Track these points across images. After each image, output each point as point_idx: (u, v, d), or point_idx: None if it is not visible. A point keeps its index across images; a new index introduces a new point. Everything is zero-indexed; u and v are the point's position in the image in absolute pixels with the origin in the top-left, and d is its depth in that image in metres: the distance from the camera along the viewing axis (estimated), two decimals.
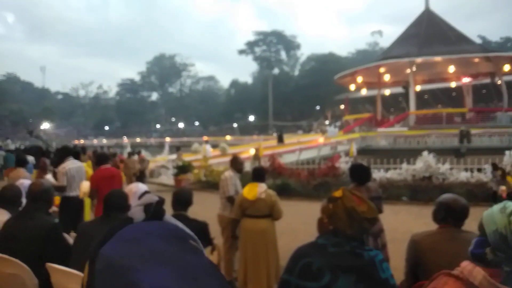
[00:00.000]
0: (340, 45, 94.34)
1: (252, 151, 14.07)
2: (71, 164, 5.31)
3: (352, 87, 31.88)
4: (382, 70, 27.91)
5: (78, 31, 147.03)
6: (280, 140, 22.88)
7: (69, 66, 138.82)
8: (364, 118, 31.35)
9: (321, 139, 18.70)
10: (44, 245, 2.54)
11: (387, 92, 34.10)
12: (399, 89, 33.01)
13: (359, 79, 29.58)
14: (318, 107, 62.29)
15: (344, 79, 31.79)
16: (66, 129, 77.65)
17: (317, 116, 57.62)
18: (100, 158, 5.33)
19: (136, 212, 0.93)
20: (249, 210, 3.95)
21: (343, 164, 10.93)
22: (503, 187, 8.36)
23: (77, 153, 5.89)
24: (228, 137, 43.92)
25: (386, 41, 64.67)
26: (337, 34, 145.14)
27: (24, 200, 3.32)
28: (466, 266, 1.25)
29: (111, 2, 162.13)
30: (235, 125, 65.60)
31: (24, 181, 3.83)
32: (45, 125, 66.02)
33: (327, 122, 41.75)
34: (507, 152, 10.02)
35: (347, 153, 13.62)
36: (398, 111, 34.27)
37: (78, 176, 5.25)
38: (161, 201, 0.97)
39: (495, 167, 9.14)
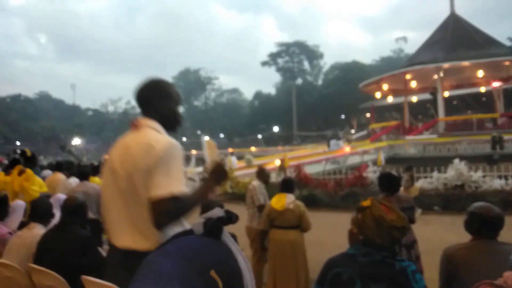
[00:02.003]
0: (364, 53, 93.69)
1: (277, 162, 14.05)
2: None
3: (378, 94, 31.40)
4: (408, 76, 27.41)
5: (106, 49, 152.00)
6: (329, 146, 22.79)
7: (99, 83, 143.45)
8: (391, 126, 30.78)
9: (347, 149, 18.47)
10: (79, 257, 2.62)
11: (414, 99, 33.39)
12: (426, 96, 32.27)
13: (385, 86, 29.12)
14: (343, 116, 61.67)
15: (369, 87, 31.39)
16: (96, 144, 79.94)
17: (342, 125, 56.98)
18: None
19: (197, 225, 0.97)
20: (277, 221, 3.95)
21: (371, 174, 10.74)
22: None
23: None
24: (253, 149, 44.08)
25: (411, 48, 63.56)
26: (360, 42, 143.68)
27: (56, 212, 3.45)
28: (510, 275, 1.21)
29: (138, 20, 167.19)
30: (259, 136, 65.78)
31: (60, 195, 3.97)
32: (76, 141, 68.27)
33: (353, 131, 41.18)
34: None
35: (374, 162, 13.38)
36: (427, 118, 33.41)
37: None
38: (221, 219, 0.99)
39: None
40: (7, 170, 5.56)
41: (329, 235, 7.02)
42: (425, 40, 30.65)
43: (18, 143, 61.64)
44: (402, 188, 8.93)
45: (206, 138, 12.12)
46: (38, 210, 3.06)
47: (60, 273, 2.47)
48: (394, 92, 31.06)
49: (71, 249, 2.62)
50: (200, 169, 16.67)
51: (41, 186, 4.89)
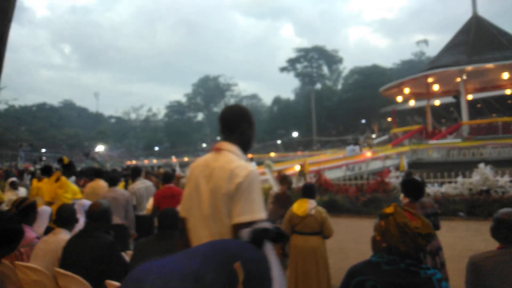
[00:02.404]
0: (384, 57, 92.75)
1: (297, 168, 13.98)
2: (140, 184, 5.68)
3: (399, 98, 30.90)
4: (430, 80, 26.88)
5: (128, 58, 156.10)
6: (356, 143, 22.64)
7: (121, 91, 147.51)
8: (413, 130, 30.19)
9: (368, 153, 18.21)
10: (103, 262, 2.67)
11: (437, 102, 32.71)
12: (449, 99, 31.54)
13: (406, 90, 28.64)
14: (363, 121, 60.96)
15: (390, 90, 30.94)
16: (119, 151, 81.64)
17: (363, 130, 56.30)
18: (164, 177, 5.59)
19: (246, 232, 1.01)
20: (299, 227, 3.92)
21: (394, 179, 10.56)
22: None
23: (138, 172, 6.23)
24: (272, 154, 44.01)
25: (432, 50, 62.65)
26: (380, 45, 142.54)
27: (80, 218, 3.53)
28: None
29: (159, 29, 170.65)
30: (278, 141, 65.68)
31: (84, 201, 4.06)
32: (100, 148, 69.79)
33: (374, 135, 40.63)
34: None
35: (397, 167, 13.14)
36: (450, 122, 32.69)
37: (147, 195, 5.55)
38: (267, 230, 1.02)
39: None
40: (40, 176, 5.79)
41: (351, 241, 6.93)
42: (447, 43, 30.04)
43: (43, 150, 63.44)
44: (402, 195, 9.11)
45: (267, 162, 12.30)
46: (63, 215, 3.13)
47: (84, 277, 2.53)
48: (416, 95, 30.51)
49: (96, 254, 2.68)
50: None
51: (75, 193, 5.06)
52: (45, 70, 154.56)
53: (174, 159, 49.81)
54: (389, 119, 46.69)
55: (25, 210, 3.21)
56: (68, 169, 5.45)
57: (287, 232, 4.05)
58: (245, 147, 1.93)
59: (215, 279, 0.84)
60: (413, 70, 39.05)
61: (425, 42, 73.74)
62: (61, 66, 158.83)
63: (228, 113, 1.94)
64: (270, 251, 1.05)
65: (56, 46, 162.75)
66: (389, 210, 1.73)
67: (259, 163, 21.14)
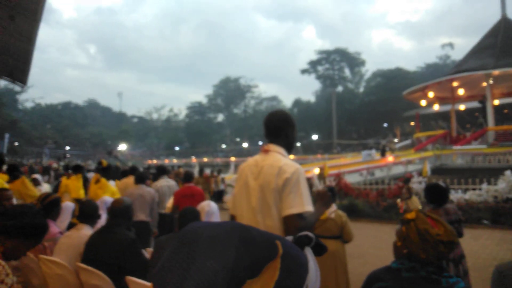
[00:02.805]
0: (408, 60, 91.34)
1: (316, 171, 13.88)
2: (164, 182, 5.79)
3: (423, 102, 30.30)
4: (455, 84, 26.27)
5: (151, 59, 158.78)
6: (383, 153, 22.34)
7: (144, 91, 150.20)
8: (437, 135, 29.56)
9: (390, 158, 17.92)
10: (124, 259, 2.72)
11: (461, 107, 31.92)
12: (475, 104, 30.73)
13: (430, 94, 28.05)
14: (385, 124, 60.04)
15: (413, 94, 30.38)
16: (140, 150, 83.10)
17: (385, 134, 55.45)
18: (185, 177, 5.71)
19: (288, 238, 1.07)
20: (318, 230, 3.88)
21: (416, 185, 10.34)
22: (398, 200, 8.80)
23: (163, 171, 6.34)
24: (291, 156, 43.78)
25: (458, 54, 61.27)
26: (404, 48, 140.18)
27: (102, 214, 3.60)
28: None
29: (181, 31, 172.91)
30: (298, 144, 65.43)
31: (107, 198, 4.14)
32: (122, 146, 71.21)
33: (396, 140, 39.94)
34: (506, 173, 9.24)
35: (419, 173, 12.88)
36: (475, 127, 31.81)
37: (170, 194, 5.66)
38: (309, 237, 1.07)
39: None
40: (69, 174, 6.09)
41: (371, 247, 6.83)
42: (474, 46, 29.28)
43: (67, 148, 65.14)
44: (398, 200, 9.30)
45: (316, 170, 12.61)
46: (86, 211, 3.21)
47: (105, 273, 2.58)
48: (440, 100, 29.87)
49: (116, 251, 2.72)
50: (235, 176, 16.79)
51: (113, 193, 5.31)
52: (71, 69, 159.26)
53: (194, 159, 50.32)
54: (412, 123, 45.88)
55: (49, 205, 3.28)
56: (106, 171, 5.76)
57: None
58: (289, 148, 2.15)
59: (258, 238, 0.89)
60: (438, 73, 38.25)
61: (451, 45, 72.23)
62: (87, 66, 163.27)
63: (273, 118, 2.14)
64: (309, 254, 1.09)
65: (81, 46, 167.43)
66: (410, 215, 1.69)
67: None
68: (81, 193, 5.75)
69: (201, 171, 12.43)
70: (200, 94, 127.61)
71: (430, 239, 1.58)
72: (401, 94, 32.93)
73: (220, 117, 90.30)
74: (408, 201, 9.12)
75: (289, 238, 1.10)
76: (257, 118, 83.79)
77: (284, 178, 1.87)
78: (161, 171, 6.35)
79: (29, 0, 10.38)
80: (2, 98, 58.36)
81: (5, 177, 4.80)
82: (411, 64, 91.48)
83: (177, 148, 79.22)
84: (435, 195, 3.47)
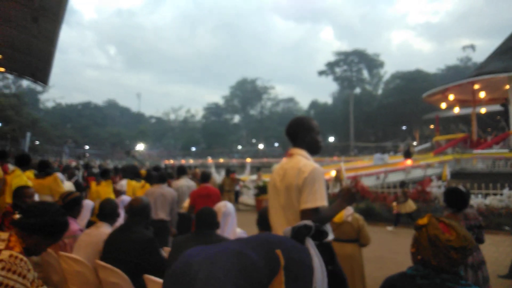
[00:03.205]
0: (428, 62, 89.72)
1: (333, 173, 13.76)
2: (184, 182, 5.86)
3: (443, 105, 29.73)
4: (476, 86, 25.68)
5: (170, 60, 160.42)
6: (408, 155, 22.03)
7: (162, 92, 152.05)
8: (457, 139, 28.97)
9: (409, 161, 17.64)
10: (141, 257, 2.75)
11: (483, 110, 31.19)
12: (497, 107, 29.97)
13: (451, 96, 27.49)
14: (404, 127, 59.18)
15: (433, 97, 29.84)
16: (158, 150, 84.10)
17: (403, 137, 54.65)
18: (202, 177, 5.80)
19: (287, 230, 1.05)
20: (335, 233, 3.81)
21: (435, 189, 10.16)
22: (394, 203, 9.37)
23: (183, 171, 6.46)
24: None
25: (479, 56, 59.90)
26: (424, 50, 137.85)
27: (121, 212, 3.65)
28: None
29: (199, 33, 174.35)
30: None
31: (124, 197, 4.19)
32: (140, 146, 72.24)
33: (415, 143, 39.32)
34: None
35: (439, 177, 12.65)
36: (497, 131, 31.02)
37: (189, 194, 5.73)
38: (308, 227, 1.06)
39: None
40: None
41: (388, 251, 6.73)
42: (496, 48, 28.56)
43: (87, 147, 66.45)
44: (394, 203, 9.45)
45: (333, 173, 12.73)
46: (105, 210, 3.26)
47: (123, 270, 2.61)
48: (461, 102, 29.26)
49: (135, 249, 2.75)
50: (254, 177, 16.78)
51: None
52: (91, 70, 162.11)
53: (210, 160, 50.62)
54: (432, 126, 45.09)
55: (71, 203, 3.35)
56: (148, 178, 6.37)
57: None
58: (312, 149, 2.37)
59: (257, 259, 0.89)
60: (458, 76, 37.49)
61: (472, 47, 70.61)
62: (106, 66, 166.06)
63: (288, 125, 2.43)
64: (311, 246, 1.07)
65: (102, 48, 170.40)
66: (422, 221, 1.66)
67: None
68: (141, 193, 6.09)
69: (227, 172, 12.40)
70: (217, 95, 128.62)
71: (440, 245, 1.54)
72: (421, 96, 32.40)
73: (237, 118, 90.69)
74: (403, 204, 9.13)
75: (288, 229, 1.08)
76: (273, 120, 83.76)
77: (303, 178, 2.09)
78: (181, 171, 6.42)
79: (52, 1, 10.64)
80: (24, 98, 59.95)
81: (30, 174, 4.97)
82: (431, 66, 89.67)
83: (193, 149, 79.87)
84: (455, 199, 3.40)
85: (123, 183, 10.40)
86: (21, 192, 3.70)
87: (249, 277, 0.84)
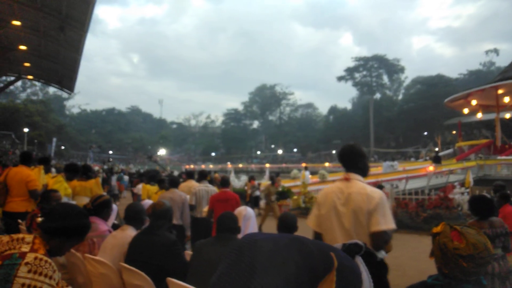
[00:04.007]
0: (450, 67, 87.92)
1: None
2: (202, 186, 5.95)
3: (466, 110, 29.03)
4: (500, 91, 24.95)
5: (190, 68, 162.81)
6: (437, 160, 21.64)
7: (183, 98, 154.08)
8: (481, 145, 28.18)
9: (430, 167, 17.29)
10: (165, 260, 2.80)
11: (507, 115, 30.27)
12: None
13: (473, 101, 26.80)
14: (425, 133, 58.00)
15: (455, 102, 29.16)
16: (178, 155, 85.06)
17: (425, 143, 53.55)
18: (221, 182, 5.90)
19: (338, 246, 1.10)
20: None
21: (458, 195, 9.93)
22: None
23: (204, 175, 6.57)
24: (327, 164, 43.29)
25: (503, 60, 58.37)
26: (445, 54, 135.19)
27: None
28: None
29: (219, 40, 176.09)
30: (333, 151, 64.43)
31: (147, 201, 4.29)
32: (161, 151, 73.18)
33: (436, 149, 38.48)
34: None
35: (462, 183, 12.36)
36: None
37: (207, 198, 5.81)
38: (358, 245, 1.10)
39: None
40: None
41: (409, 258, 6.61)
42: None
43: (110, 152, 67.76)
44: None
45: (322, 172, 12.60)
46: (130, 213, 3.33)
47: (147, 273, 2.66)
48: (484, 108, 28.47)
49: (158, 252, 2.81)
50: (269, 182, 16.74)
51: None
52: (115, 77, 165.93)
53: (229, 165, 50.79)
54: (454, 132, 44.05)
55: (99, 206, 3.48)
56: (161, 183, 6.91)
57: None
58: (364, 174, 2.58)
59: (315, 251, 0.92)
60: (481, 80, 36.62)
61: (495, 51, 68.83)
62: (130, 74, 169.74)
63: (348, 151, 2.63)
64: (360, 262, 1.10)
65: (125, 55, 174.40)
66: (437, 229, 1.65)
67: (313, 173, 20.90)
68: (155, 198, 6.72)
69: (272, 180, 11.82)
70: (236, 101, 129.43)
71: (449, 254, 1.53)
72: (442, 101, 31.74)
73: (256, 124, 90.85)
74: None
75: (338, 245, 1.11)
76: (292, 125, 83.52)
77: (374, 203, 2.31)
78: (201, 175, 6.45)
79: (78, 11, 11.01)
80: (50, 104, 61.80)
81: (60, 177, 5.24)
82: (453, 71, 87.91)
83: (213, 154, 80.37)
84: (480, 207, 3.34)
85: (139, 187, 10.81)
86: (48, 196, 3.84)
87: (307, 262, 0.88)
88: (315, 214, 2.65)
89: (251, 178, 14.61)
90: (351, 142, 2.71)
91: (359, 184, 2.44)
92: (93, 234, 3.29)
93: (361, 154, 2.59)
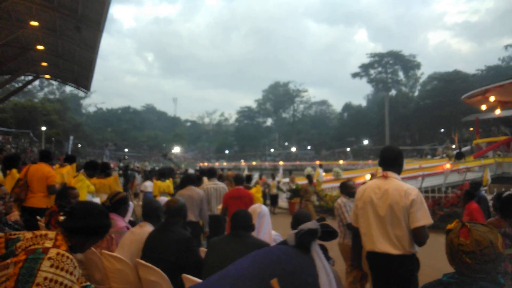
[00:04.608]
0: (467, 62, 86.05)
1: (367, 177, 13.49)
2: (211, 184, 6.00)
3: (483, 107, 28.42)
4: None
5: (204, 66, 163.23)
6: (460, 156, 21.23)
7: (197, 97, 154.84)
8: (499, 142, 27.57)
9: (447, 165, 17.00)
10: (180, 256, 2.83)
11: None
12: None
13: (492, 98, 26.21)
14: (442, 130, 57.03)
15: (473, 98, 28.57)
16: (193, 153, 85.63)
17: (441, 140, 52.67)
18: (236, 179, 5.95)
19: (290, 236, 1.03)
20: None
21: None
22: None
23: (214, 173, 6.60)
24: (341, 162, 42.99)
25: None
26: (463, 50, 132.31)
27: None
28: None
29: (233, 38, 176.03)
30: (348, 149, 63.95)
31: (162, 198, 4.34)
32: (176, 149, 73.79)
33: (453, 146, 37.83)
34: None
35: (479, 181, 12.10)
36: None
37: (216, 195, 5.84)
38: (312, 231, 1.03)
39: None
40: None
41: (426, 257, 6.49)
42: None
43: (126, 150, 68.62)
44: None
45: (336, 169, 12.52)
46: (148, 210, 3.39)
47: (163, 269, 2.69)
48: (503, 104, 27.82)
49: (173, 248, 2.84)
50: (287, 179, 16.73)
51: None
52: (130, 76, 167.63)
53: (243, 163, 50.90)
54: (471, 128, 43.21)
55: (117, 203, 3.57)
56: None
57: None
58: (400, 172, 2.81)
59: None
60: (500, 76, 35.77)
61: None
62: (145, 73, 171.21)
63: (390, 152, 2.85)
64: (317, 254, 1.04)
65: (140, 54, 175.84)
66: (449, 226, 1.66)
67: (327, 170, 20.78)
68: (171, 190, 8.34)
69: (310, 179, 10.78)
70: (249, 99, 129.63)
71: (453, 250, 1.56)
72: (460, 98, 31.15)
73: (269, 122, 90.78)
74: None
75: (291, 236, 1.04)
76: (305, 123, 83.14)
77: (410, 199, 2.53)
78: (211, 173, 6.47)
79: (93, 11, 11.16)
80: (67, 103, 62.92)
81: (81, 176, 5.42)
82: (470, 66, 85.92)
83: (227, 152, 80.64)
84: (503, 205, 3.26)
85: (147, 184, 11.10)
86: (66, 193, 3.92)
87: None
88: (353, 210, 2.94)
89: (262, 176, 14.62)
90: (393, 145, 3.01)
91: (396, 182, 2.68)
92: (112, 230, 3.33)
93: (400, 156, 2.84)
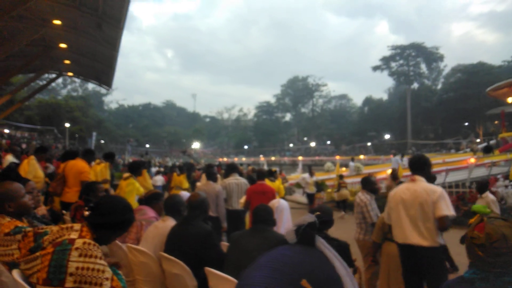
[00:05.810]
0: (492, 54, 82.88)
1: (389, 171, 13.28)
2: (232, 179, 6.02)
3: (510, 99, 27.55)
4: None
5: (223, 61, 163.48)
6: (489, 150, 20.74)
7: (216, 92, 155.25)
8: None
9: (472, 159, 16.56)
10: (201, 250, 2.87)
11: None
12: None
13: None
14: (466, 124, 55.55)
15: (498, 91, 27.73)
16: (212, 148, 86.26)
17: (466, 134, 51.33)
18: (258, 174, 6.00)
19: (290, 233, 1.01)
20: (390, 235, 3.75)
21: (501, 189, 9.47)
22: None
23: (233, 168, 6.61)
24: (361, 157, 42.45)
25: None
26: (488, 41, 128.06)
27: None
28: None
29: (251, 32, 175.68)
30: (368, 144, 63.04)
31: (184, 193, 4.42)
32: (195, 145, 74.47)
33: (478, 140, 36.83)
34: None
35: (505, 176, 11.77)
36: None
37: (237, 191, 5.87)
38: (312, 224, 1.01)
39: None
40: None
41: (451, 252, 6.41)
42: None
43: (147, 145, 69.71)
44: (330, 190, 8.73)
45: (357, 164, 12.19)
46: (169, 205, 3.47)
47: (185, 262, 2.74)
48: None
49: (194, 242, 2.89)
50: (306, 175, 16.64)
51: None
52: (150, 73, 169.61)
53: (262, 158, 50.94)
54: (497, 122, 41.94)
55: (150, 198, 3.99)
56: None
57: (379, 239, 3.91)
58: (428, 178, 3.32)
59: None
60: None
61: None
62: (164, 69, 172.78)
63: (417, 159, 3.43)
64: (322, 243, 1.02)
65: (160, 51, 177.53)
66: (471, 220, 1.69)
67: (347, 166, 20.56)
68: (187, 185, 9.13)
69: (394, 175, 10.36)
70: (268, 94, 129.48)
71: (467, 243, 1.59)
72: (484, 90, 30.30)
73: (288, 117, 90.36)
74: (338, 193, 10.55)
75: (291, 234, 1.02)
76: (325, 117, 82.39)
77: (437, 195, 3.08)
78: (231, 168, 6.48)
79: (114, 9, 11.32)
80: (90, 100, 64.29)
81: (132, 179, 5.55)
82: (496, 58, 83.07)
83: (246, 147, 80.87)
84: None
85: (157, 178, 11.58)
86: (93, 187, 4.02)
87: None
88: (386, 210, 3.45)
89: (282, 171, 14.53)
90: (419, 153, 3.32)
91: (423, 184, 3.21)
92: (142, 218, 3.66)
93: (427, 163, 3.40)
